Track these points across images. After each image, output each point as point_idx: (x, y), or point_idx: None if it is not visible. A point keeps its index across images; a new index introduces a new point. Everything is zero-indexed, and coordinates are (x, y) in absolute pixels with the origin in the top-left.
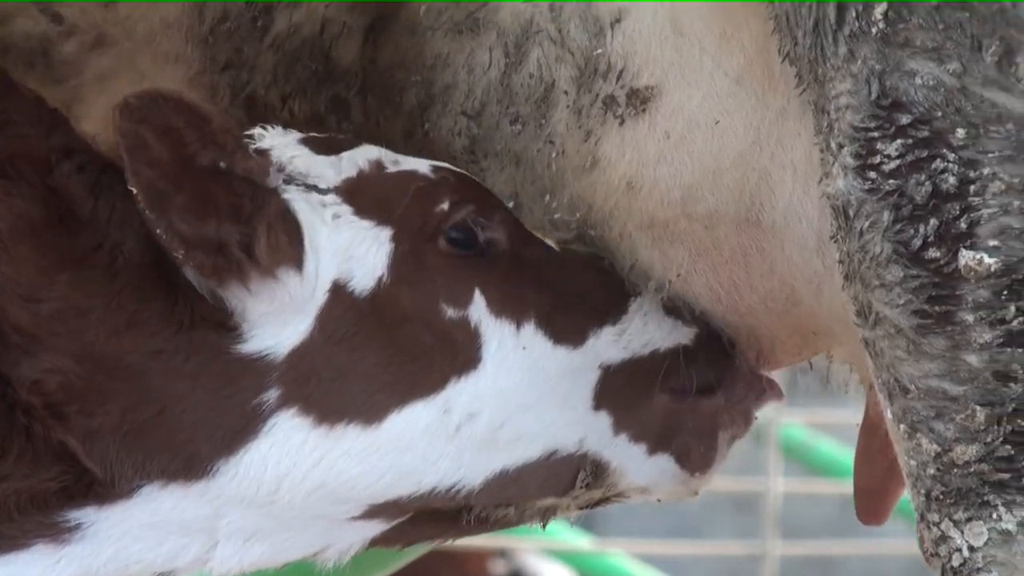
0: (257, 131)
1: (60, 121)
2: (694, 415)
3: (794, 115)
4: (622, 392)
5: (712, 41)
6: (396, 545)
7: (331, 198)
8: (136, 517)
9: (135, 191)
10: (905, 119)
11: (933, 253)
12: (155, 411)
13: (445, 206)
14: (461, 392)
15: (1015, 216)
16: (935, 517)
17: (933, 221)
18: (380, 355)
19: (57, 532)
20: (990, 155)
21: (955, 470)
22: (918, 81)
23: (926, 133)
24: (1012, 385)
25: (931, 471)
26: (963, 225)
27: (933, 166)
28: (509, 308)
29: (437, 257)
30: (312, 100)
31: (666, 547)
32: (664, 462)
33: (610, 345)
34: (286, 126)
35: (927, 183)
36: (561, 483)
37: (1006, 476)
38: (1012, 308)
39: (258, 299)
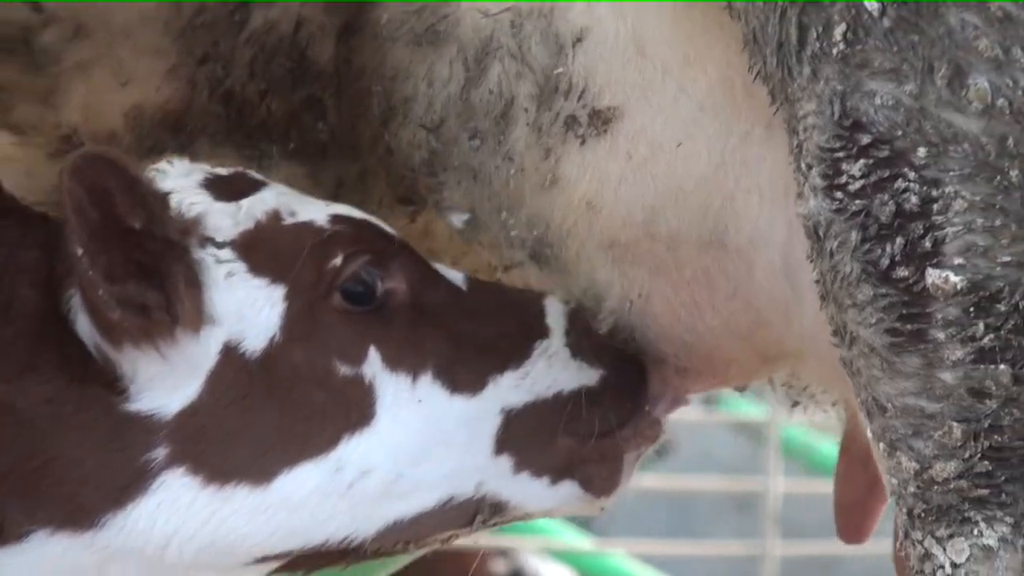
0: (162, 165)
1: None
2: (597, 450)
3: (759, 139)
4: (524, 435)
5: (676, 64)
6: (295, 571)
7: (226, 253)
8: (29, 562)
9: (77, 251)
10: (866, 139)
11: (901, 272)
12: (44, 460)
13: (338, 261)
14: (354, 449)
15: (979, 234)
16: (918, 535)
17: (899, 240)
18: (269, 417)
19: None
20: (951, 174)
21: (935, 487)
22: (878, 101)
23: (887, 152)
24: (987, 401)
25: (912, 489)
26: (928, 244)
27: (896, 185)
28: (405, 361)
29: (331, 314)
30: (288, 98)
31: (666, 547)
32: (569, 488)
33: (512, 389)
34: (263, 123)
35: (890, 202)
36: (458, 523)
37: (985, 492)
38: (981, 325)
39: (152, 361)
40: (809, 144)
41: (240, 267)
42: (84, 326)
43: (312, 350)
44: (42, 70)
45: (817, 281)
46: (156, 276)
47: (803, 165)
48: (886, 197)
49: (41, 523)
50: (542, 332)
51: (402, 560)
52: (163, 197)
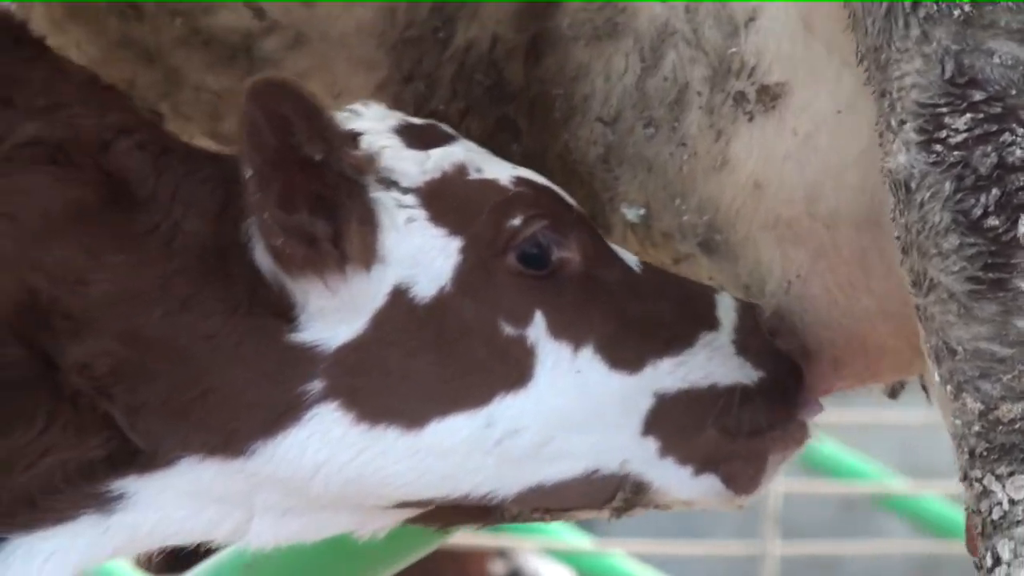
0: (356, 106)
1: (117, 100)
2: (744, 447)
3: None
4: (673, 421)
5: (839, 38)
6: (432, 525)
7: (410, 199)
8: (176, 487)
9: (247, 174)
10: (979, 96)
11: (992, 221)
12: (201, 391)
13: (518, 221)
14: (508, 408)
15: None
16: (978, 473)
17: (995, 191)
18: (429, 363)
19: (103, 502)
20: None
21: (999, 427)
22: (996, 60)
23: (999, 109)
24: None
25: (976, 429)
26: None
27: (1001, 139)
28: (569, 331)
29: (503, 274)
30: (486, 118)
31: (666, 547)
32: (711, 482)
33: (668, 375)
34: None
35: (993, 155)
36: (599, 498)
37: None
38: None
39: (322, 293)
40: (905, 102)
41: (421, 214)
42: (261, 253)
43: (480, 305)
44: None
45: (898, 236)
46: (329, 210)
47: (894, 123)
48: (989, 149)
49: (192, 450)
50: (711, 324)
51: (406, 559)
52: (343, 133)
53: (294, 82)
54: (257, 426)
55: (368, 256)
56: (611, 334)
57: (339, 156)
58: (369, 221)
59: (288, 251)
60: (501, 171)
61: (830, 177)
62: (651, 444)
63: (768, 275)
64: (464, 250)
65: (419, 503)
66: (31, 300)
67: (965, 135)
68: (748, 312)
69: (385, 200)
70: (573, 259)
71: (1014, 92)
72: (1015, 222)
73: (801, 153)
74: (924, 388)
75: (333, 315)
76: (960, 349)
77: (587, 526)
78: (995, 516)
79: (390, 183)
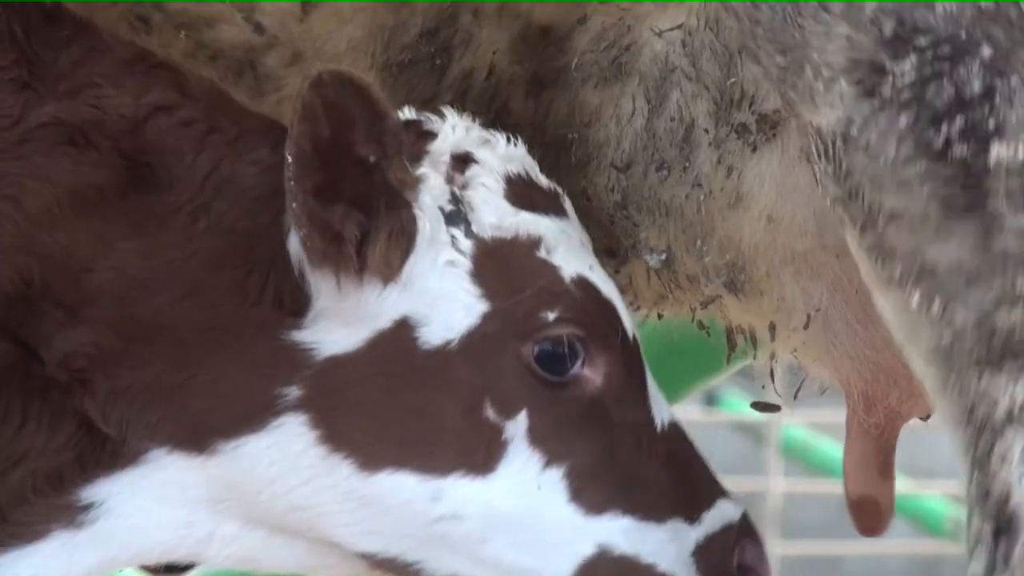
0: (500, 140)
1: (165, 77)
2: None
3: None
4: None
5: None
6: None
7: (467, 244)
8: (144, 488)
9: (288, 158)
10: (924, 40)
11: (959, 150)
12: (185, 377)
13: (552, 317)
14: (459, 490)
15: None
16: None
17: (959, 121)
18: (407, 409)
19: (72, 514)
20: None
21: (996, 334)
22: (939, 11)
23: (947, 50)
24: None
25: (971, 338)
26: (991, 124)
27: (956, 75)
28: (547, 445)
29: (513, 359)
30: None
31: None
32: None
33: (621, 533)
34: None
35: (949, 88)
36: None
37: None
38: None
39: (333, 293)
40: (832, 58)
41: (465, 265)
42: (294, 240)
43: (476, 376)
44: (264, 97)
45: (837, 181)
46: (364, 213)
47: (820, 86)
48: (945, 83)
49: (160, 440)
50: (692, 518)
51: None
52: (402, 142)
53: (364, 79)
54: (226, 421)
55: (388, 271)
56: (588, 468)
57: (391, 164)
58: (401, 238)
59: (309, 242)
60: (572, 264)
61: None
62: None
63: (792, 310)
64: (487, 317)
65: (352, 554)
66: (22, 287)
67: (914, 75)
68: (737, 535)
69: (439, 232)
70: (593, 381)
71: (963, 36)
72: (984, 151)
73: (806, 181)
74: None
75: (336, 319)
76: (939, 267)
77: None
78: (1000, 415)
79: (460, 220)
